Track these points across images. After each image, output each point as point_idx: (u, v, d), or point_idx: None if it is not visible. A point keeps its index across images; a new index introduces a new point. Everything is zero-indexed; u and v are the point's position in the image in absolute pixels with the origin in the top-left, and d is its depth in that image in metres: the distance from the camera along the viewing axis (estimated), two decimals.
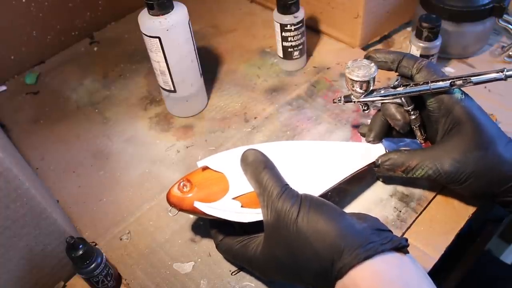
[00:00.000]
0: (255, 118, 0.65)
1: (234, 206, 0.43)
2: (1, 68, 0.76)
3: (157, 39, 0.56)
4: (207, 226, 0.53)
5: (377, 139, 0.53)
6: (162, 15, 0.55)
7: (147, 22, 0.56)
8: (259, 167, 0.42)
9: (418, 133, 0.51)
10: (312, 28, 0.79)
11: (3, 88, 0.77)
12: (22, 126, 0.69)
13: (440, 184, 0.51)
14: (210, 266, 0.49)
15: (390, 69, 0.51)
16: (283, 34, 0.67)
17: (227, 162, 0.46)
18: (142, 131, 0.66)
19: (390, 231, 0.38)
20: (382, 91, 0.50)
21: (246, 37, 0.81)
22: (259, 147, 0.45)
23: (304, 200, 0.39)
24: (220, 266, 0.49)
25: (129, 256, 0.51)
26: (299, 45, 0.69)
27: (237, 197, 0.44)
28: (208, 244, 0.51)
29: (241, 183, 0.44)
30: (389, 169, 0.49)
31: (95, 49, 0.83)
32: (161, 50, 0.57)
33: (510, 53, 0.68)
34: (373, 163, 0.51)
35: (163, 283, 0.48)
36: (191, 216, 0.54)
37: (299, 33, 0.67)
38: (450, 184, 0.47)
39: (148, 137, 0.65)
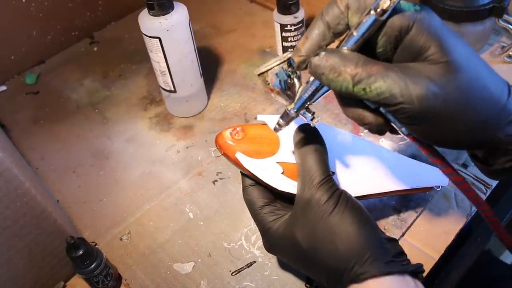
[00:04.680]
0: (255, 118, 0.65)
1: (275, 170, 0.42)
2: (1, 68, 0.76)
3: (157, 40, 0.56)
4: (207, 226, 0.53)
5: (311, 54, 0.33)
6: (162, 15, 0.55)
7: (147, 22, 0.56)
8: (310, 147, 0.40)
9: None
10: None
11: (3, 88, 0.77)
12: (22, 126, 0.69)
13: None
14: (210, 266, 0.49)
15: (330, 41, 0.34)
16: (283, 34, 0.67)
17: (287, 127, 0.43)
18: (142, 131, 0.66)
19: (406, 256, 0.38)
20: (311, 79, 0.35)
21: (246, 37, 0.81)
22: (320, 127, 0.43)
23: (343, 198, 0.38)
24: (220, 267, 0.49)
25: (129, 256, 0.51)
26: None
27: (281, 162, 0.43)
28: (208, 245, 0.51)
29: (291, 151, 0.43)
30: (332, 67, 0.31)
31: (95, 49, 0.83)
32: (161, 51, 0.57)
33: (510, 53, 0.68)
34: (429, 188, 0.47)
35: (163, 283, 0.48)
36: (191, 216, 0.54)
37: (299, 33, 0.67)
38: (418, 122, 0.31)
39: (148, 137, 0.65)
